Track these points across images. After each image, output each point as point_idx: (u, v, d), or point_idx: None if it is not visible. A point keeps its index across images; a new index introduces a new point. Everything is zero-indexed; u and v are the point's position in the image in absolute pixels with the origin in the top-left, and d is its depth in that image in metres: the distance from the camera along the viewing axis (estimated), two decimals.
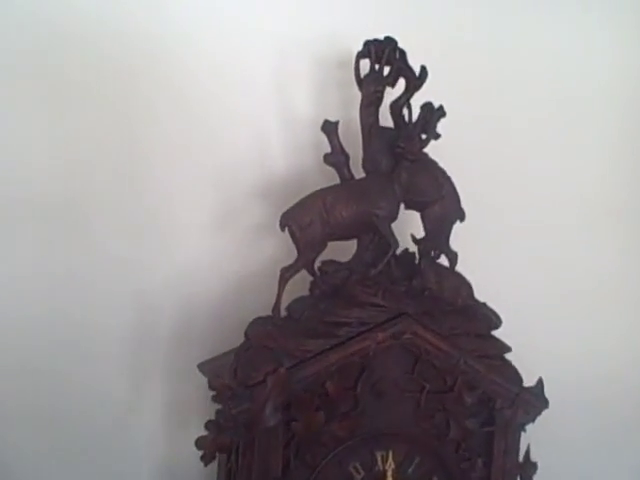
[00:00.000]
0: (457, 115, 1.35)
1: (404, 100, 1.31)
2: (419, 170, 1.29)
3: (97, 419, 1.38)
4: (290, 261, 1.23)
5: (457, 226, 1.34)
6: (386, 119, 1.31)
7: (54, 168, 1.34)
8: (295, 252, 1.23)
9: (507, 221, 1.57)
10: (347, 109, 1.40)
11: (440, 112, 1.30)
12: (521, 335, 1.36)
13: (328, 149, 1.30)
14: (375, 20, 1.41)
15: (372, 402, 1.23)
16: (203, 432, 1.14)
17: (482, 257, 1.47)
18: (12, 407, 1.34)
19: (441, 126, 1.30)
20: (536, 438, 1.35)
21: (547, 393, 1.33)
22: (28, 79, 1.33)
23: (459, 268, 1.34)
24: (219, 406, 1.15)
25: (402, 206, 1.31)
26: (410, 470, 1.27)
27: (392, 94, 1.31)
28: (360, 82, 1.29)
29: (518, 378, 1.31)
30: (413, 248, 1.34)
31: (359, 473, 1.24)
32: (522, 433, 1.33)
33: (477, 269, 1.34)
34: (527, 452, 1.34)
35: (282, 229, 1.22)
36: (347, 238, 1.27)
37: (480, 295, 1.33)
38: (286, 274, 1.22)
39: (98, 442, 1.38)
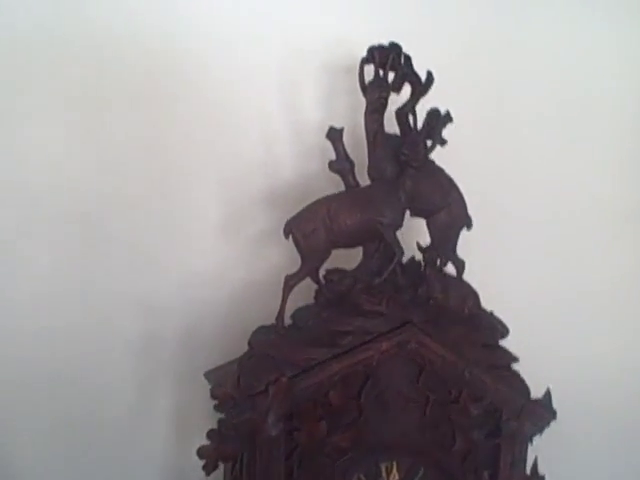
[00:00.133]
0: (465, 119, 1.33)
1: (410, 106, 1.29)
2: (424, 177, 1.28)
3: (104, 426, 1.39)
4: (296, 269, 1.22)
5: (464, 233, 1.31)
6: (393, 125, 1.29)
7: (60, 177, 1.34)
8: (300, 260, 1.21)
9: (515, 228, 1.55)
10: (354, 115, 1.38)
11: (446, 118, 1.28)
12: (529, 345, 1.34)
13: (334, 156, 1.28)
14: (383, 26, 1.39)
15: (376, 412, 1.22)
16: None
17: (490, 265, 1.45)
18: (22, 416, 1.36)
19: (449, 131, 1.28)
20: (544, 450, 1.31)
21: (555, 404, 1.31)
22: (55, 86, 1.33)
23: (466, 276, 1.32)
24: (222, 415, 1.13)
25: (408, 214, 1.29)
26: None
27: (398, 100, 1.29)
28: (364, 88, 1.28)
29: (525, 389, 1.29)
30: (420, 256, 1.31)
31: None
32: (529, 445, 1.31)
33: (485, 277, 1.32)
34: (534, 464, 1.33)
35: (286, 237, 1.22)
36: (352, 246, 1.25)
37: (487, 304, 1.31)
38: (290, 282, 1.21)
39: (105, 449, 1.39)
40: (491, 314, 1.32)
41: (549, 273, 1.59)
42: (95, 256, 1.37)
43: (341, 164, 1.28)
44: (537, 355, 1.37)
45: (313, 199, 1.24)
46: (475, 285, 1.32)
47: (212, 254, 1.42)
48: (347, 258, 1.29)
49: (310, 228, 1.20)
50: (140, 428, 1.42)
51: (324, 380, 1.17)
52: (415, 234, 1.33)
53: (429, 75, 1.28)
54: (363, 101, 1.29)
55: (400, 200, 1.25)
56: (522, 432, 1.28)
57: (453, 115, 1.28)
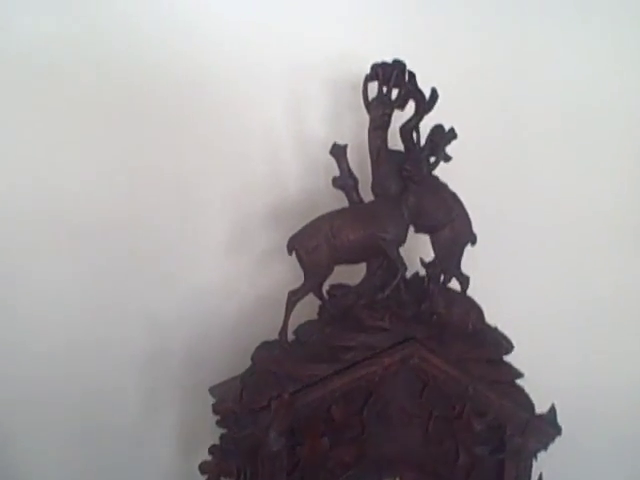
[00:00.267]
0: (470, 135, 1.34)
1: (414, 123, 1.30)
2: (428, 193, 1.28)
3: (110, 439, 1.41)
4: (300, 284, 1.23)
5: (469, 249, 1.32)
6: (398, 142, 1.31)
7: (71, 197, 1.36)
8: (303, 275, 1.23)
9: (521, 242, 1.55)
10: (360, 132, 1.38)
11: (450, 134, 1.29)
12: (535, 359, 1.34)
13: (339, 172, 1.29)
14: (389, 42, 1.39)
15: (379, 428, 1.23)
16: None
17: (495, 280, 1.46)
18: (26, 427, 1.37)
19: (455, 147, 1.29)
20: (549, 466, 1.31)
21: (560, 419, 1.30)
22: (70, 101, 1.35)
23: (471, 291, 1.32)
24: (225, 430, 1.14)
25: (412, 230, 1.30)
26: None
27: (403, 116, 1.30)
28: (368, 105, 1.29)
29: (529, 404, 1.29)
30: (423, 272, 1.32)
31: None
32: (534, 461, 1.30)
33: (490, 292, 1.33)
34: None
35: (289, 253, 1.22)
36: (355, 262, 1.26)
37: (492, 318, 1.31)
38: (293, 298, 1.22)
39: (111, 462, 1.41)
40: (495, 329, 1.32)
41: (556, 288, 1.59)
42: (103, 272, 1.38)
43: (345, 180, 1.29)
44: (542, 369, 1.38)
45: (318, 215, 1.25)
46: (480, 300, 1.32)
47: (218, 270, 1.44)
48: (351, 274, 1.29)
49: (313, 244, 1.21)
50: (145, 442, 1.43)
51: (326, 395, 1.18)
52: (420, 250, 1.33)
53: (433, 92, 1.29)
54: (368, 118, 1.29)
55: (403, 216, 1.26)
56: (526, 448, 1.28)
57: (459, 131, 1.29)
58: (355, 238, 1.22)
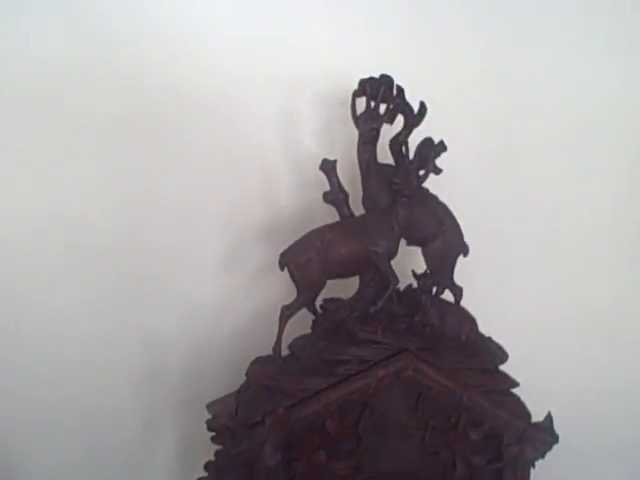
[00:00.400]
0: (468, 143, 1.38)
1: (403, 137, 1.31)
2: (418, 205, 1.29)
3: (107, 456, 1.42)
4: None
5: (465, 258, 1.33)
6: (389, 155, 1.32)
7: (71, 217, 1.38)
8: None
9: (517, 251, 1.56)
10: (352, 146, 1.38)
11: (440, 147, 1.30)
12: (532, 368, 1.35)
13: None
14: (381, 57, 1.41)
15: (375, 440, 1.23)
16: None
17: (490, 290, 1.47)
18: (31, 450, 1.39)
19: (452, 154, 1.29)
20: (547, 474, 1.32)
21: (558, 427, 1.30)
22: (69, 125, 1.38)
23: (465, 302, 1.33)
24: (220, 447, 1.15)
25: (404, 242, 1.31)
26: None
27: (393, 130, 1.31)
28: (357, 120, 1.30)
29: (526, 413, 1.29)
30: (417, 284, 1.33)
31: None
32: (532, 469, 1.30)
33: (484, 302, 1.33)
34: None
35: (281, 268, 1.23)
36: (346, 276, 1.27)
37: (488, 328, 1.32)
38: (286, 312, 1.23)
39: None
40: (490, 339, 1.32)
41: (554, 296, 1.59)
42: (102, 291, 1.40)
43: (335, 195, 1.30)
44: (540, 377, 1.39)
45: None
46: (475, 310, 1.32)
47: (213, 286, 1.45)
48: (344, 288, 1.30)
49: (304, 259, 1.22)
50: (143, 459, 1.45)
51: (321, 409, 1.19)
52: (414, 262, 1.34)
53: (422, 106, 1.30)
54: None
55: (393, 229, 1.26)
56: (524, 457, 1.28)
57: (454, 143, 1.30)
58: (346, 252, 1.23)
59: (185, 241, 1.44)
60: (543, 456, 1.30)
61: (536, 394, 1.30)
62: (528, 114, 1.57)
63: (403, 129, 1.31)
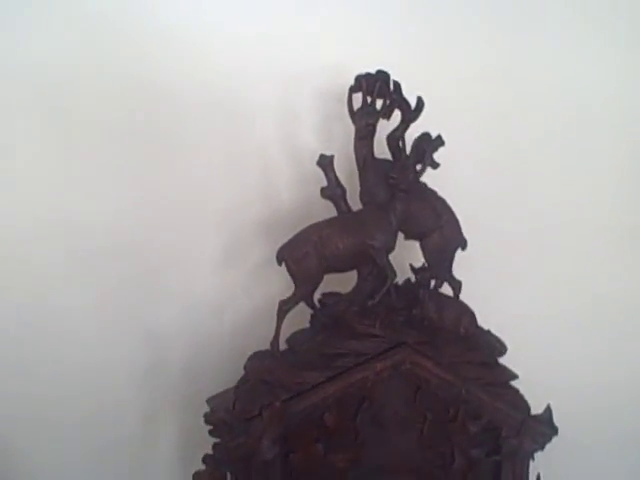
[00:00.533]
0: (467, 138, 1.40)
1: (400, 132, 1.31)
2: (415, 200, 1.30)
3: (108, 450, 1.43)
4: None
5: (466, 253, 1.34)
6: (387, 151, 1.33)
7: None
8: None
9: (514, 246, 1.56)
10: (350, 142, 1.39)
11: (437, 142, 1.30)
12: (532, 361, 1.36)
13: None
14: (380, 53, 1.41)
15: (373, 433, 1.24)
16: None
17: (489, 283, 1.48)
18: (32, 447, 1.41)
19: (452, 150, 1.31)
20: (548, 466, 1.32)
21: (557, 420, 1.31)
22: (71, 125, 1.40)
23: (465, 296, 1.33)
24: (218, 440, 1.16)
25: (402, 237, 1.31)
26: None
27: (391, 126, 1.32)
28: (353, 116, 1.30)
29: (525, 405, 1.29)
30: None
31: None
32: (531, 461, 1.31)
33: (483, 295, 1.34)
34: None
35: (279, 263, 1.24)
36: (344, 270, 1.28)
37: (488, 321, 1.33)
38: (284, 307, 1.24)
39: (113, 474, 1.44)
40: (488, 332, 1.32)
41: (553, 289, 1.59)
42: (100, 287, 1.42)
43: (333, 190, 1.31)
44: (539, 370, 1.40)
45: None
46: (473, 304, 1.32)
47: (213, 282, 1.46)
48: (342, 282, 1.31)
49: (302, 254, 1.23)
50: (143, 453, 1.46)
51: (319, 403, 1.19)
52: (413, 256, 1.34)
53: (419, 101, 1.31)
54: None
55: (391, 223, 1.27)
56: (522, 449, 1.28)
57: (453, 138, 1.31)
58: (344, 246, 1.24)
59: (185, 238, 1.45)
60: (542, 448, 1.30)
61: (536, 387, 1.30)
62: (527, 109, 1.58)
63: (400, 124, 1.31)
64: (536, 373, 1.37)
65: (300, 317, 1.31)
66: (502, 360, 1.33)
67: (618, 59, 1.61)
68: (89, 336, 1.42)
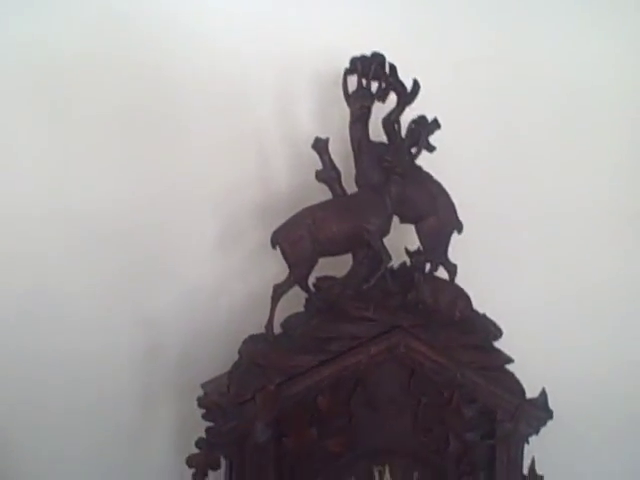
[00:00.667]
0: (460, 125, 1.37)
1: (395, 115, 1.31)
2: (411, 183, 1.30)
3: (105, 435, 1.43)
4: None
5: (457, 238, 1.33)
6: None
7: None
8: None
9: (512, 231, 1.56)
10: (347, 125, 1.39)
11: (433, 125, 1.30)
12: (527, 345, 1.37)
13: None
14: (377, 36, 1.41)
15: (367, 417, 1.23)
16: None
17: (485, 267, 1.48)
18: (29, 432, 1.41)
19: (451, 135, 1.31)
20: (543, 450, 1.32)
21: (553, 404, 1.31)
22: (70, 108, 1.40)
23: (460, 279, 1.33)
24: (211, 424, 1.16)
25: (397, 220, 1.31)
26: None
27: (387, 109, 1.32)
28: (348, 99, 1.30)
29: (520, 389, 1.29)
30: None
31: None
32: (526, 445, 1.31)
33: (479, 279, 1.35)
34: (532, 464, 1.32)
35: (273, 247, 1.24)
36: (338, 253, 1.27)
37: (483, 306, 1.32)
38: (278, 290, 1.24)
39: (107, 458, 1.43)
40: (484, 316, 1.32)
41: (545, 274, 1.59)
42: (96, 273, 1.41)
43: (327, 173, 1.31)
44: (534, 355, 1.40)
45: None
46: (469, 288, 1.32)
47: (209, 267, 1.46)
48: (338, 266, 1.30)
49: (296, 237, 1.23)
50: (141, 438, 1.46)
51: (312, 386, 1.19)
52: (409, 240, 1.34)
53: (415, 84, 1.30)
54: None
55: (386, 206, 1.27)
56: (517, 433, 1.28)
57: (450, 122, 1.30)
58: (338, 229, 1.24)
59: (181, 223, 1.45)
60: (537, 432, 1.30)
61: (531, 371, 1.30)
62: (526, 94, 1.57)
63: (395, 107, 1.31)
64: (532, 358, 1.37)
65: (295, 301, 1.30)
66: (498, 344, 1.32)
67: (618, 44, 1.61)
68: (88, 323, 1.42)
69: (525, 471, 1.32)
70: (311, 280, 1.29)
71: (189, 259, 1.46)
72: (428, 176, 1.32)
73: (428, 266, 1.33)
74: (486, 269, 1.49)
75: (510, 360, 1.30)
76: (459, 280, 1.34)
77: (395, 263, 1.33)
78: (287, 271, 1.26)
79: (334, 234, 1.24)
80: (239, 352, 1.23)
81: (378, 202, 1.27)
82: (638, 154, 1.62)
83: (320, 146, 1.30)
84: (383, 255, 1.26)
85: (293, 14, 1.47)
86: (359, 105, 1.28)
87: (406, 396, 1.25)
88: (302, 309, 1.32)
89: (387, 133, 1.32)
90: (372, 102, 1.29)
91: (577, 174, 1.60)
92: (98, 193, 1.41)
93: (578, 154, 1.60)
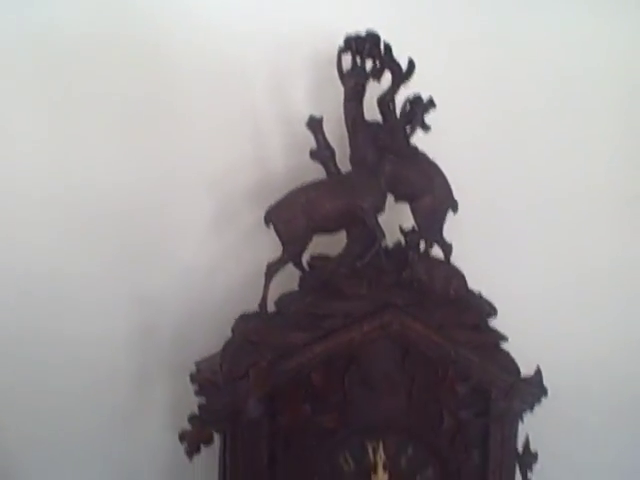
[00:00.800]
0: (454, 106, 1.37)
1: (390, 94, 1.31)
2: (406, 162, 1.30)
3: (100, 415, 1.44)
4: None
5: (452, 218, 1.33)
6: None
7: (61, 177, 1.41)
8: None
9: (508, 212, 1.56)
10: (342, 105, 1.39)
11: (429, 104, 1.30)
12: (522, 324, 1.36)
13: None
14: (373, 16, 1.39)
15: (361, 394, 1.24)
16: None
17: (481, 247, 1.47)
18: (17, 412, 1.42)
19: (445, 117, 1.30)
20: (538, 428, 1.32)
21: (548, 383, 1.31)
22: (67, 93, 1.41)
23: (455, 259, 1.32)
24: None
25: (392, 199, 1.31)
26: (403, 462, 1.26)
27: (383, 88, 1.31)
28: (343, 77, 1.30)
29: (514, 367, 1.29)
30: None
31: (349, 465, 1.24)
32: (520, 423, 1.31)
33: (474, 259, 1.35)
34: (526, 442, 1.32)
35: (267, 225, 1.25)
36: (332, 231, 1.28)
37: (477, 285, 1.32)
38: (272, 268, 1.24)
39: (101, 438, 1.45)
40: (479, 295, 1.32)
41: (543, 257, 1.58)
42: (87, 249, 1.42)
43: (322, 152, 1.31)
44: (530, 335, 1.40)
45: None
46: (465, 267, 1.32)
47: (204, 247, 1.46)
48: (332, 246, 1.31)
49: (289, 215, 1.23)
50: (135, 418, 1.47)
51: (306, 363, 1.19)
52: (404, 219, 1.34)
53: (410, 63, 1.30)
54: None
55: (380, 185, 1.27)
56: (511, 410, 1.28)
57: (446, 102, 1.30)
58: (332, 207, 1.24)
59: (178, 204, 1.45)
60: (531, 408, 1.30)
61: (531, 356, 1.31)
62: (522, 76, 1.56)
63: (390, 86, 1.30)
64: (531, 341, 1.38)
65: (290, 281, 1.30)
66: (494, 325, 1.33)
67: (615, 27, 1.59)
68: (88, 304, 1.43)
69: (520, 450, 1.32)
70: (305, 258, 1.30)
71: (186, 240, 1.46)
72: (423, 155, 1.32)
73: (423, 245, 1.32)
74: (481, 251, 1.49)
75: (505, 338, 1.30)
76: (454, 262, 1.33)
77: (390, 242, 1.33)
78: (281, 251, 1.25)
79: (328, 212, 1.24)
80: (232, 329, 1.23)
81: (372, 180, 1.27)
82: (635, 136, 1.61)
83: (314, 125, 1.30)
84: (377, 232, 1.26)
85: None
86: (353, 83, 1.27)
87: (400, 373, 1.25)
88: (296, 288, 1.31)
89: (382, 112, 1.32)
90: (366, 80, 1.29)
91: (574, 156, 1.58)
92: (97, 175, 1.42)
93: (575, 136, 1.59)
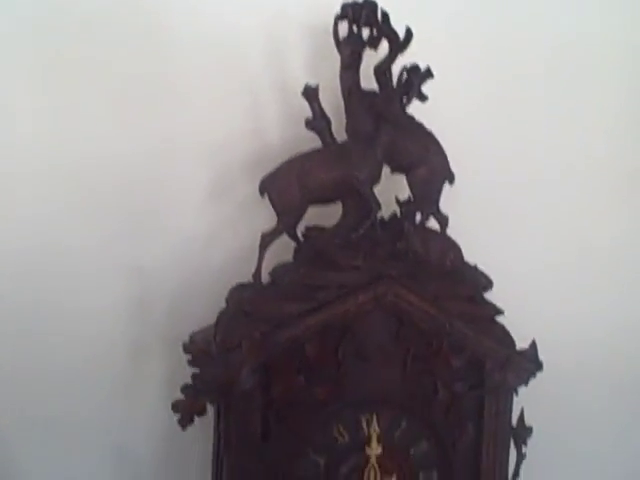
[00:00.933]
0: (455, 78, 1.37)
1: (387, 63, 1.29)
2: (402, 132, 1.28)
3: (95, 388, 1.43)
4: None
5: (449, 189, 1.32)
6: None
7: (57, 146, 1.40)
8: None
9: (503, 183, 1.54)
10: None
11: (426, 74, 1.28)
12: (518, 297, 1.37)
13: None
14: None
15: (356, 366, 1.23)
16: None
17: (476, 221, 1.46)
18: (11, 389, 1.41)
19: (436, 88, 1.28)
20: (533, 401, 1.32)
21: (543, 357, 1.31)
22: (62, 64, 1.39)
23: (451, 233, 1.31)
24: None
25: (388, 170, 1.30)
26: (397, 434, 1.26)
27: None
28: (339, 45, 1.28)
29: (509, 340, 1.28)
30: None
31: (343, 437, 1.24)
32: (515, 397, 1.30)
33: (471, 233, 1.34)
34: (521, 415, 1.32)
35: (261, 195, 1.24)
36: (327, 201, 1.27)
37: (474, 259, 1.32)
38: (266, 239, 1.23)
39: (96, 411, 1.44)
40: (475, 267, 1.31)
41: (540, 228, 1.57)
42: (86, 221, 1.41)
43: (317, 122, 1.29)
44: (527, 312, 1.40)
45: None
46: (461, 241, 1.32)
47: (201, 219, 1.45)
48: (327, 217, 1.29)
49: (284, 185, 1.22)
50: (133, 388, 1.46)
51: (300, 334, 1.19)
52: (401, 190, 1.33)
53: (408, 31, 1.28)
54: None
55: (376, 155, 1.26)
56: (506, 383, 1.28)
57: (444, 74, 1.29)
58: (327, 177, 1.23)
59: (173, 174, 1.44)
60: (526, 383, 1.30)
61: (522, 325, 1.30)
62: (519, 45, 1.55)
63: (387, 55, 1.29)
64: (525, 314, 1.37)
65: (285, 252, 1.30)
66: (490, 299, 1.32)
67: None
68: (87, 276, 1.42)
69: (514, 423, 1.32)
70: (300, 230, 1.28)
71: (184, 211, 1.45)
72: (420, 126, 1.31)
73: (419, 217, 1.31)
74: (478, 225, 1.48)
75: (500, 312, 1.30)
76: (450, 235, 1.33)
77: (385, 214, 1.32)
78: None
79: (323, 182, 1.23)
80: (226, 300, 1.22)
81: (368, 150, 1.25)
82: (635, 108, 1.59)
83: (310, 93, 1.28)
84: (372, 203, 1.25)
85: None
86: (349, 51, 1.26)
87: (395, 345, 1.25)
88: (291, 259, 1.30)
89: (378, 81, 1.30)
90: (363, 48, 1.27)
91: (574, 128, 1.57)
92: (94, 148, 1.40)
93: (575, 107, 1.57)
